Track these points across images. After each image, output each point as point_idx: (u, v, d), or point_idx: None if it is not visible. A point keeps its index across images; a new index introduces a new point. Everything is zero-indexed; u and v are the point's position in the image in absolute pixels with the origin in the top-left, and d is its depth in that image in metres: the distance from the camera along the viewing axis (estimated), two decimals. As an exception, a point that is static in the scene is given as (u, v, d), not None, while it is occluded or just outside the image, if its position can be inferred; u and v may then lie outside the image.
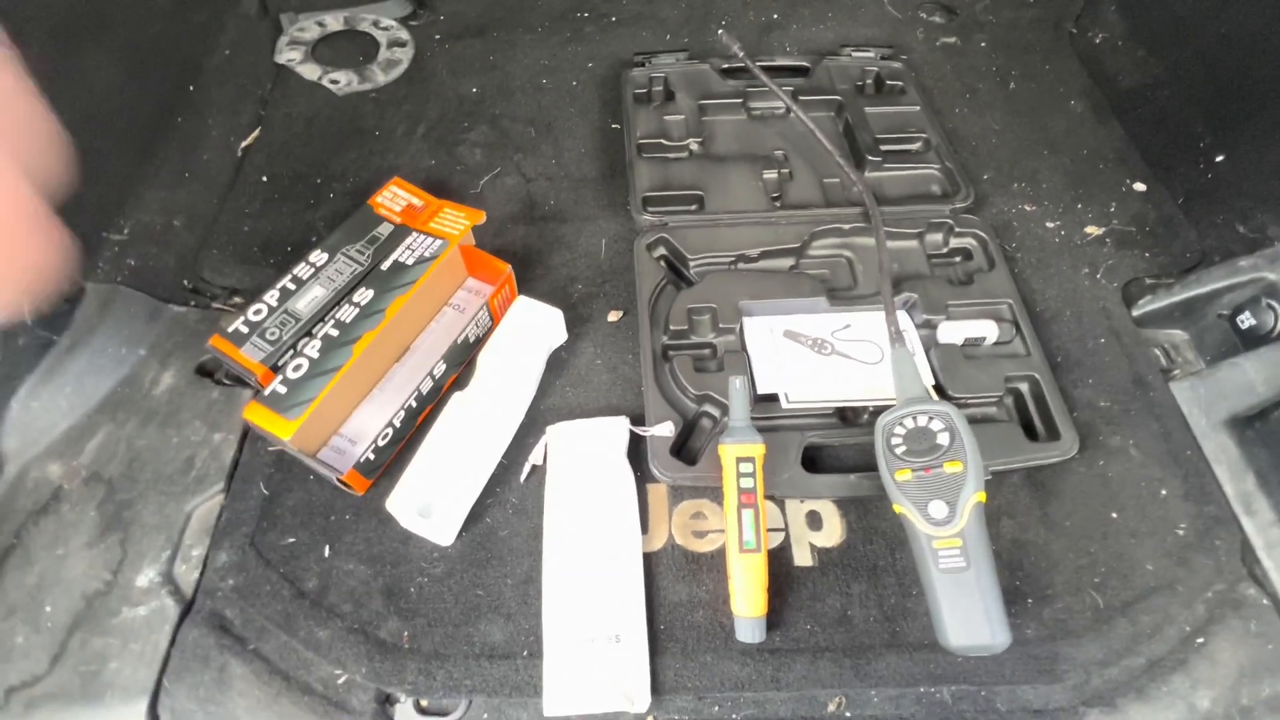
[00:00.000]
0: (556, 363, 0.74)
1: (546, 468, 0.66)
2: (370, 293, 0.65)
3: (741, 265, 0.78)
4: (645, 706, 0.55)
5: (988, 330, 0.70)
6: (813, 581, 0.61)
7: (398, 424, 0.66)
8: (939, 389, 0.68)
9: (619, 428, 0.67)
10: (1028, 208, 0.86)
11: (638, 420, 0.68)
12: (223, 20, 1.04)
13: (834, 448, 0.68)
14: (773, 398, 0.68)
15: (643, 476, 0.66)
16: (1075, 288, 0.78)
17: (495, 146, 0.95)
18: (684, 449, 0.67)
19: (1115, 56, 1.01)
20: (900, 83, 0.95)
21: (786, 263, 0.79)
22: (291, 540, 0.64)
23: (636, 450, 0.67)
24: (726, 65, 0.97)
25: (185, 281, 0.82)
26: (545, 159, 0.93)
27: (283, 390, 0.59)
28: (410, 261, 0.67)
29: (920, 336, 0.72)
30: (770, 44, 1.07)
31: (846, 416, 0.68)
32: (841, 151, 0.85)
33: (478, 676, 0.57)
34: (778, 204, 0.84)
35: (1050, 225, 0.84)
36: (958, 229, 0.79)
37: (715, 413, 0.68)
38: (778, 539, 0.63)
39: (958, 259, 0.80)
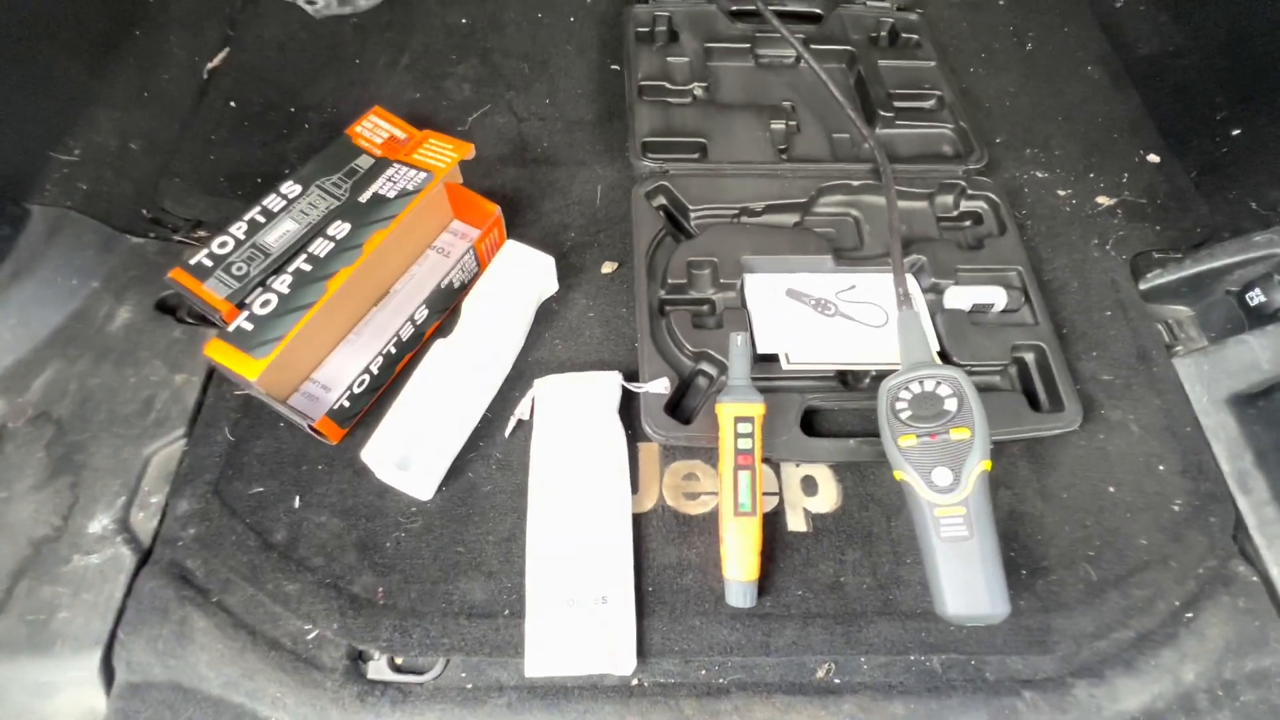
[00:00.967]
0: (546, 314, 0.70)
1: (533, 422, 0.63)
2: (347, 226, 0.60)
3: (745, 219, 0.74)
4: (630, 669, 0.53)
5: (996, 297, 0.68)
6: (806, 547, 0.59)
7: (375, 371, 0.62)
8: (943, 355, 0.66)
9: (611, 383, 0.64)
10: (1040, 174, 0.83)
11: (631, 376, 0.64)
12: (186, -74, 0.95)
13: (833, 411, 0.66)
14: (772, 358, 0.65)
15: (634, 435, 0.63)
16: (1084, 258, 0.76)
17: (485, 82, 0.88)
18: (678, 407, 0.64)
19: (1136, 22, 0.97)
20: (915, 36, 0.91)
21: (791, 218, 0.76)
22: (259, 490, 0.60)
23: (629, 407, 0.64)
24: (735, 7, 0.91)
25: (144, 211, 0.75)
26: (539, 98, 0.87)
27: (249, 327, 0.54)
28: (391, 195, 0.62)
29: (926, 301, 0.69)
30: (782, -12, 1.00)
31: (848, 380, 0.66)
32: (853, 105, 0.80)
33: (456, 635, 0.54)
34: (784, 156, 0.79)
35: (1061, 193, 0.82)
36: (970, 191, 0.76)
37: (712, 371, 0.65)
38: (772, 503, 0.61)
39: (968, 223, 0.77)
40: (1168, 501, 0.63)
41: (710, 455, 0.63)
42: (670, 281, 0.68)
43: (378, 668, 0.54)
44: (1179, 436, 0.66)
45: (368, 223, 0.60)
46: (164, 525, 0.59)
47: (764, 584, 0.57)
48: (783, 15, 0.88)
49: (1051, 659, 0.56)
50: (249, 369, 0.53)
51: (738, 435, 0.57)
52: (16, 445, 0.61)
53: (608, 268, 0.73)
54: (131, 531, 0.58)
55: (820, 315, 0.67)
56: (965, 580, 0.50)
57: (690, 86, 0.84)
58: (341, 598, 0.56)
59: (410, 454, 0.59)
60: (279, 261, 0.60)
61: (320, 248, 0.59)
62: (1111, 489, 0.63)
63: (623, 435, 0.62)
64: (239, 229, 0.62)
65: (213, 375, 0.65)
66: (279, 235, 0.62)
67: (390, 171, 0.64)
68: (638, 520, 0.60)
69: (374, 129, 0.69)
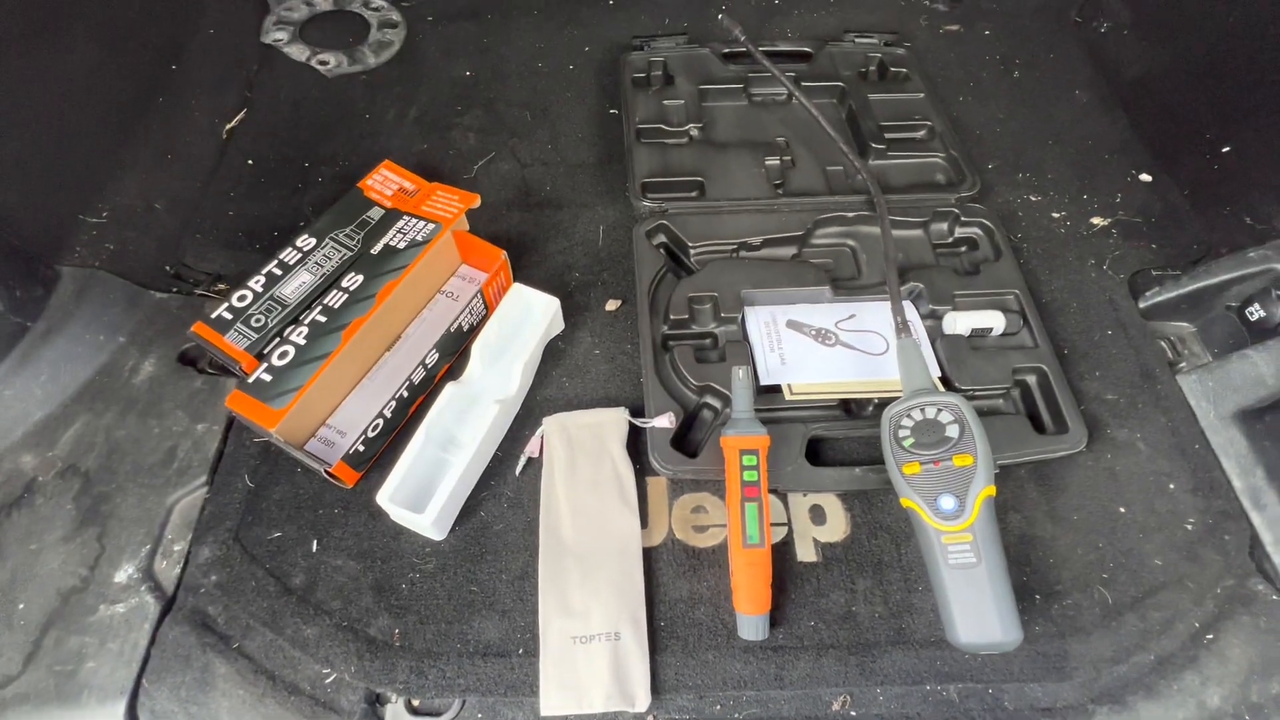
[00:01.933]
0: (553, 352, 0.72)
1: (543, 460, 0.64)
2: (360, 278, 0.63)
3: (743, 253, 0.76)
4: (645, 706, 0.53)
5: (995, 321, 0.69)
6: (816, 577, 0.60)
7: (388, 414, 0.64)
8: (944, 381, 0.67)
9: (618, 419, 0.65)
10: (1033, 198, 0.85)
11: (637, 411, 0.66)
12: (206, -3, 1.00)
13: (838, 440, 0.66)
14: (775, 389, 0.66)
15: (642, 469, 0.64)
16: (1081, 279, 0.77)
17: (489, 131, 0.92)
18: (684, 441, 0.65)
19: (1120, 46, 1.00)
20: (904, 70, 0.93)
21: (789, 251, 0.77)
22: (277, 535, 0.62)
23: (636, 442, 0.65)
24: (727, 50, 0.94)
25: (167, 267, 0.79)
26: (541, 144, 0.91)
27: (268, 378, 0.57)
28: (402, 245, 0.65)
29: (925, 327, 0.70)
30: (772, 29, 1.04)
31: (850, 408, 0.67)
32: (845, 138, 0.83)
33: (471, 675, 0.55)
34: (780, 191, 0.82)
35: (1055, 216, 0.83)
36: (964, 218, 0.78)
37: (716, 404, 0.66)
38: (780, 534, 0.61)
39: (963, 249, 0.78)
40: (1180, 520, 0.62)
41: (718, 487, 0.64)
42: (673, 317, 0.70)
43: (395, 710, 0.55)
44: (1188, 454, 0.66)
45: (380, 273, 0.63)
46: (186, 572, 0.60)
47: (776, 615, 0.57)
48: (774, 54, 0.91)
49: (1071, 685, 0.55)
50: (269, 419, 0.55)
51: (743, 468, 0.58)
52: (46, 498, 0.63)
53: (611, 305, 0.75)
54: (156, 580, 0.59)
55: (821, 345, 0.69)
56: (975, 608, 0.50)
57: (686, 127, 0.87)
58: (359, 640, 0.56)
59: (424, 495, 0.60)
60: (295, 312, 0.63)
61: (335, 299, 0.61)
62: (1122, 509, 0.63)
63: (631, 470, 0.63)
64: (257, 282, 0.65)
65: (232, 424, 0.67)
66: (295, 287, 0.64)
67: (400, 223, 0.66)
68: (648, 554, 0.60)
69: (384, 181, 0.73)
